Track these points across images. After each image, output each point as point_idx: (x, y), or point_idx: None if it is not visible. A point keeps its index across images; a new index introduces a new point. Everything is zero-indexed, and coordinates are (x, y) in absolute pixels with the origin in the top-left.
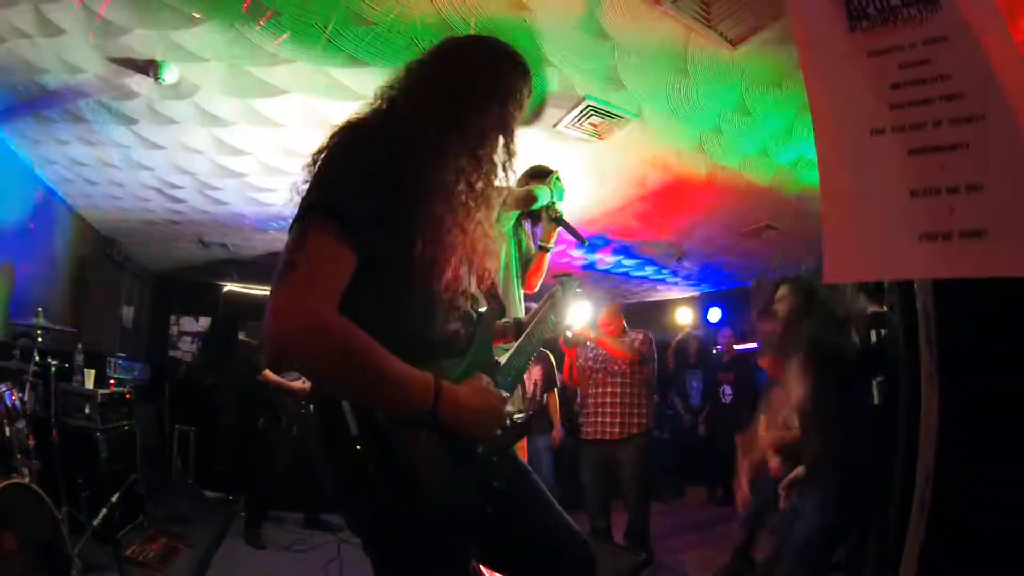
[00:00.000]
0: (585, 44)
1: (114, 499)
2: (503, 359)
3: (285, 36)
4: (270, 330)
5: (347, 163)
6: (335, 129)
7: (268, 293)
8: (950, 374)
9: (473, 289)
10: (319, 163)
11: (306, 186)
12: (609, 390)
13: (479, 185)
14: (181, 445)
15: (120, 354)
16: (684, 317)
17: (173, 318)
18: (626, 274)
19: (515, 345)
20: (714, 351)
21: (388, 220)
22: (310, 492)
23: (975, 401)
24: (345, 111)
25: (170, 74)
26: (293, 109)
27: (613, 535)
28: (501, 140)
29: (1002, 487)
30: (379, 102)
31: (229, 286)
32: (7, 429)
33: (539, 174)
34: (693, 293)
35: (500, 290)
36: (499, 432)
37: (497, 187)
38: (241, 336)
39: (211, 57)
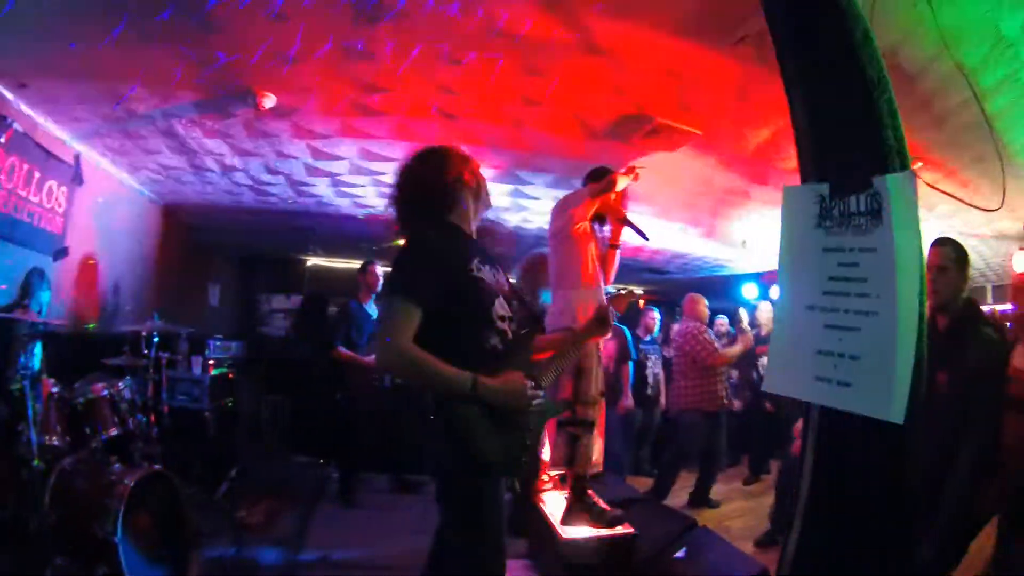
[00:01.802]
0: (657, 78)
1: (233, 473)
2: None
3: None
4: (377, 356)
5: (412, 260)
6: (407, 235)
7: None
8: (821, 452)
9: (504, 312)
10: (400, 255)
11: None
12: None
13: (473, 240)
14: (273, 414)
15: (217, 336)
16: (750, 293)
17: (264, 296)
18: (693, 253)
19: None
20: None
21: (438, 290)
22: (395, 457)
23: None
24: (432, 126)
25: (268, 101)
26: (386, 124)
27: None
28: (472, 195)
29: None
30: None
31: (312, 261)
32: (130, 421)
33: (597, 173)
34: (758, 270)
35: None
36: (527, 405)
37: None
38: (332, 309)
39: (310, 86)
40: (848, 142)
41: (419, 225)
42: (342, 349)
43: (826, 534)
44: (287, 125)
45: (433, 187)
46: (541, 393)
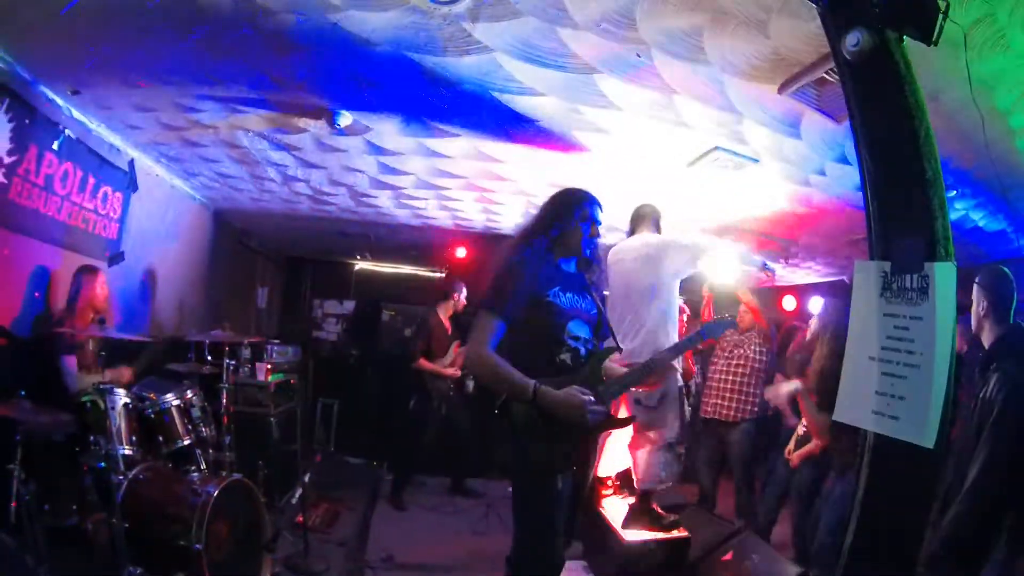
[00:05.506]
0: (720, 115)
1: (306, 478)
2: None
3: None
4: (464, 359)
5: (502, 281)
6: (506, 257)
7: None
8: (873, 467)
9: (581, 334)
10: (496, 273)
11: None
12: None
13: (564, 271)
14: (325, 416)
15: (274, 340)
16: (789, 304)
17: (317, 301)
18: None
19: (635, 368)
20: None
21: (518, 309)
22: (455, 460)
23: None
24: (501, 149)
25: (344, 120)
26: (460, 144)
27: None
28: (575, 236)
29: None
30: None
31: (360, 265)
32: (202, 429)
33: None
34: (795, 283)
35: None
36: (582, 416)
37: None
38: (385, 315)
39: (388, 110)
40: (907, 231)
41: (519, 251)
42: (424, 361)
43: (875, 531)
44: (358, 141)
45: (547, 223)
46: (599, 408)
